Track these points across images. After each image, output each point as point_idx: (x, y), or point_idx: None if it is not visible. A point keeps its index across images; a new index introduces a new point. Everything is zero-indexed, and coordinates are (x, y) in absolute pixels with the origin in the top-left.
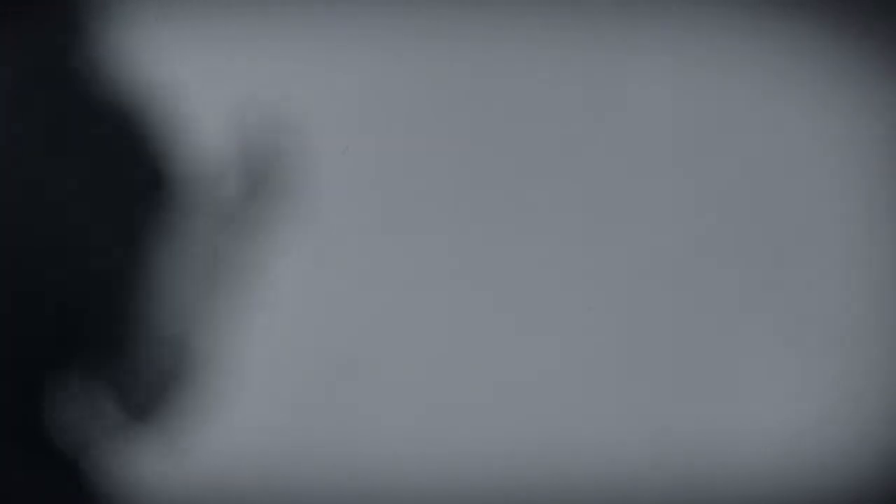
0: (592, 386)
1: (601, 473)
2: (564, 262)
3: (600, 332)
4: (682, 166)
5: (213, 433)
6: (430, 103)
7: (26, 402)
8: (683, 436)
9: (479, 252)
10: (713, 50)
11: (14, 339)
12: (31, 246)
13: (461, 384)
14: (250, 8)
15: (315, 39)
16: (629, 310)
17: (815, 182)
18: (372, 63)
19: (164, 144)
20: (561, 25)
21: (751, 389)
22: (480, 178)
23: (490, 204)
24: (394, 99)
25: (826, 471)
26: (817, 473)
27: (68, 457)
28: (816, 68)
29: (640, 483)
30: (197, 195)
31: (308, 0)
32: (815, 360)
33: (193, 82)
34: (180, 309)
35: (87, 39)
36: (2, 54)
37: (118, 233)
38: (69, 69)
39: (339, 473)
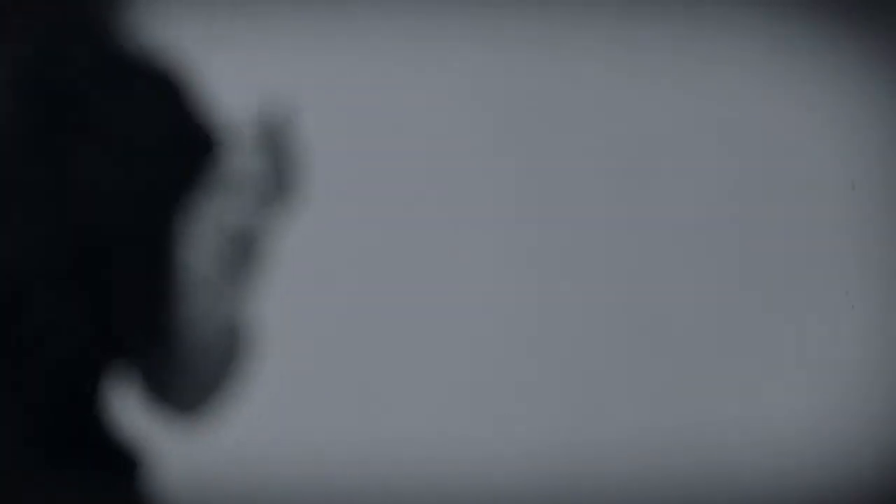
0: (593, 386)
1: (602, 472)
2: (566, 263)
3: (602, 333)
4: (682, 166)
5: (216, 433)
6: (431, 103)
7: (74, 398)
8: (683, 436)
9: (481, 252)
10: (713, 50)
11: (58, 330)
12: (69, 231)
13: (464, 384)
14: (259, 8)
15: (324, 38)
16: (628, 311)
17: (815, 181)
18: (379, 64)
19: (193, 126)
20: (562, 26)
21: (751, 389)
22: (481, 177)
23: (491, 203)
24: (397, 99)
25: (826, 471)
26: (817, 473)
27: (120, 453)
28: (816, 68)
29: (641, 483)
30: (219, 188)
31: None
32: (815, 359)
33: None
34: (217, 294)
35: (112, 23)
36: (26, 37)
37: (154, 217)
38: (94, 47)
39: (338, 473)
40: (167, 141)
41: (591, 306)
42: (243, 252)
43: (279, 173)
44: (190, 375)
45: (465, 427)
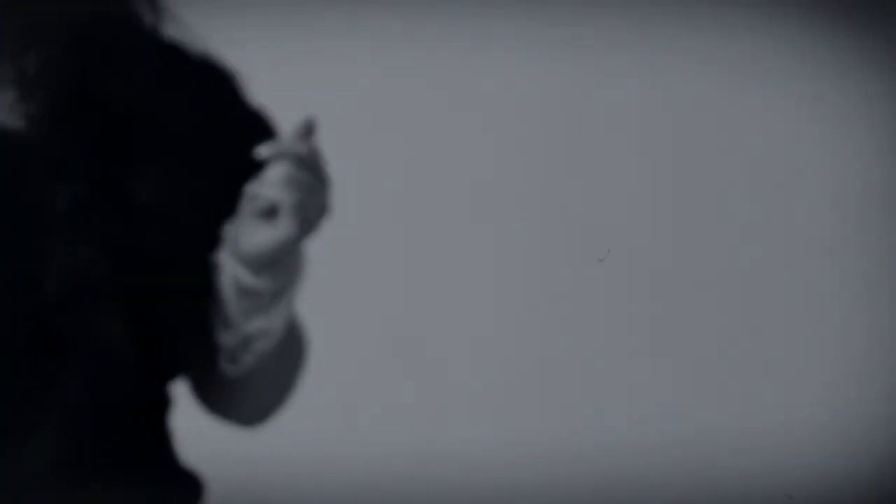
0: (596, 385)
1: (604, 472)
2: (566, 263)
3: (602, 333)
4: (682, 165)
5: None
6: (430, 104)
7: (136, 419)
8: (685, 435)
9: (482, 253)
10: (713, 50)
11: (114, 349)
12: (123, 244)
13: (467, 385)
14: (258, 9)
15: (326, 39)
16: (628, 311)
17: (815, 181)
18: (380, 64)
19: (250, 132)
20: (562, 26)
21: (752, 389)
22: (480, 178)
23: (492, 204)
24: (396, 101)
25: (827, 471)
26: (818, 473)
27: (184, 475)
28: (816, 68)
29: (642, 482)
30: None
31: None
32: (815, 359)
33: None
34: (265, 308)
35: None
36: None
37: (208, 228)
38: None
39: (340, 474)
40: (225, 146)
41: (591, 306)
42: (287, 266)
43: (315, 187)
44: (251, 389)
45: (464, 427)
